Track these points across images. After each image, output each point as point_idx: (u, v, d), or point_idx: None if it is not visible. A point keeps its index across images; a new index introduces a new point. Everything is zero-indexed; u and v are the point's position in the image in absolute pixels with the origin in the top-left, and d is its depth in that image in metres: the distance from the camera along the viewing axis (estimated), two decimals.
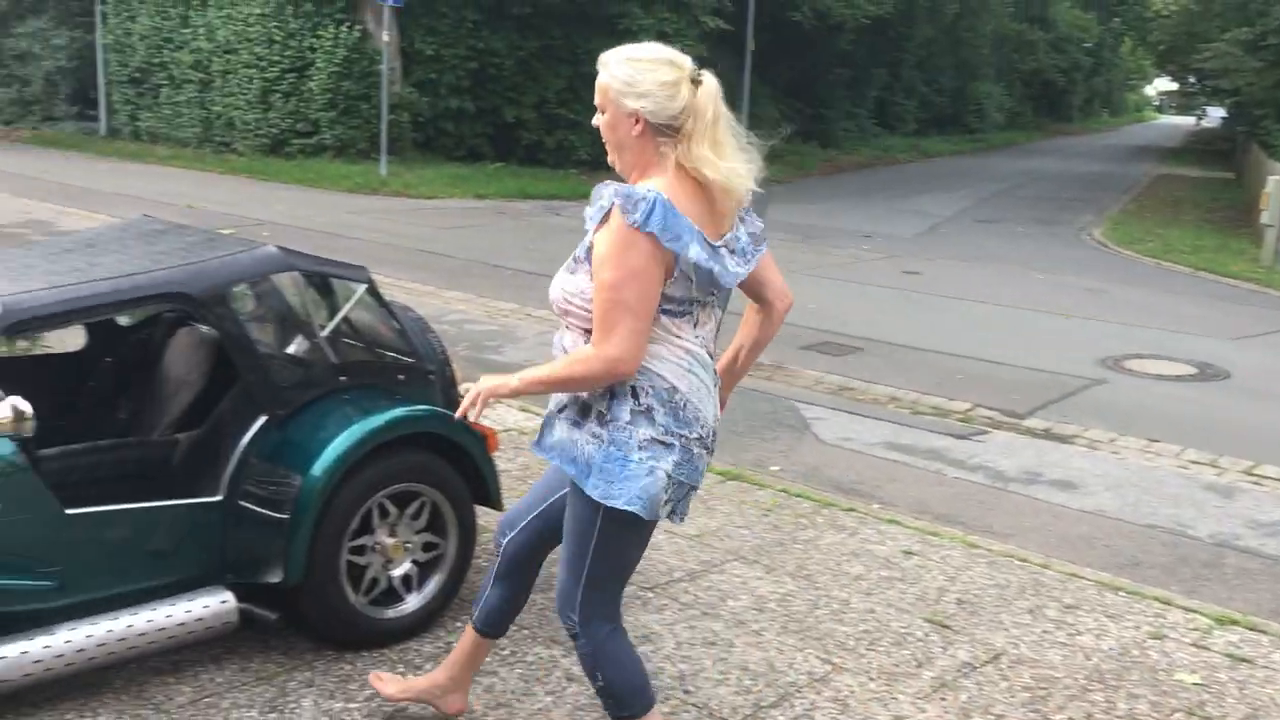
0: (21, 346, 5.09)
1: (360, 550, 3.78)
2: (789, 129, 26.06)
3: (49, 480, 3.34)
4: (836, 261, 13.35)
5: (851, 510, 5.43)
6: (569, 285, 2.87)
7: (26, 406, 3.04)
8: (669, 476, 2.77)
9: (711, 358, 2.94)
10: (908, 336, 9.59)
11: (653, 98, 2.75)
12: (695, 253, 2.71)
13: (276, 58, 20.10)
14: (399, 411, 3.83)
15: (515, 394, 2.88)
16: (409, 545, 3.91)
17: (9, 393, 3.16)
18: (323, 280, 4.06)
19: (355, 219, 14.49)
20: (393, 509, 3.85)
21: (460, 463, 3.99)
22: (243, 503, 3.62)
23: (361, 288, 4.03)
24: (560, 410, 2.92)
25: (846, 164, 26.68)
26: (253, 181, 18.21)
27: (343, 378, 3.87)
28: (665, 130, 2.79)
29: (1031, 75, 46.38)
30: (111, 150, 21.96)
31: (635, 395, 2.77)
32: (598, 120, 2.90)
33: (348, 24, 19.65)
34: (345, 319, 4.09)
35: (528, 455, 6.00)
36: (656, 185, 2.74)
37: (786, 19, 23.87)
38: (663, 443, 2.77)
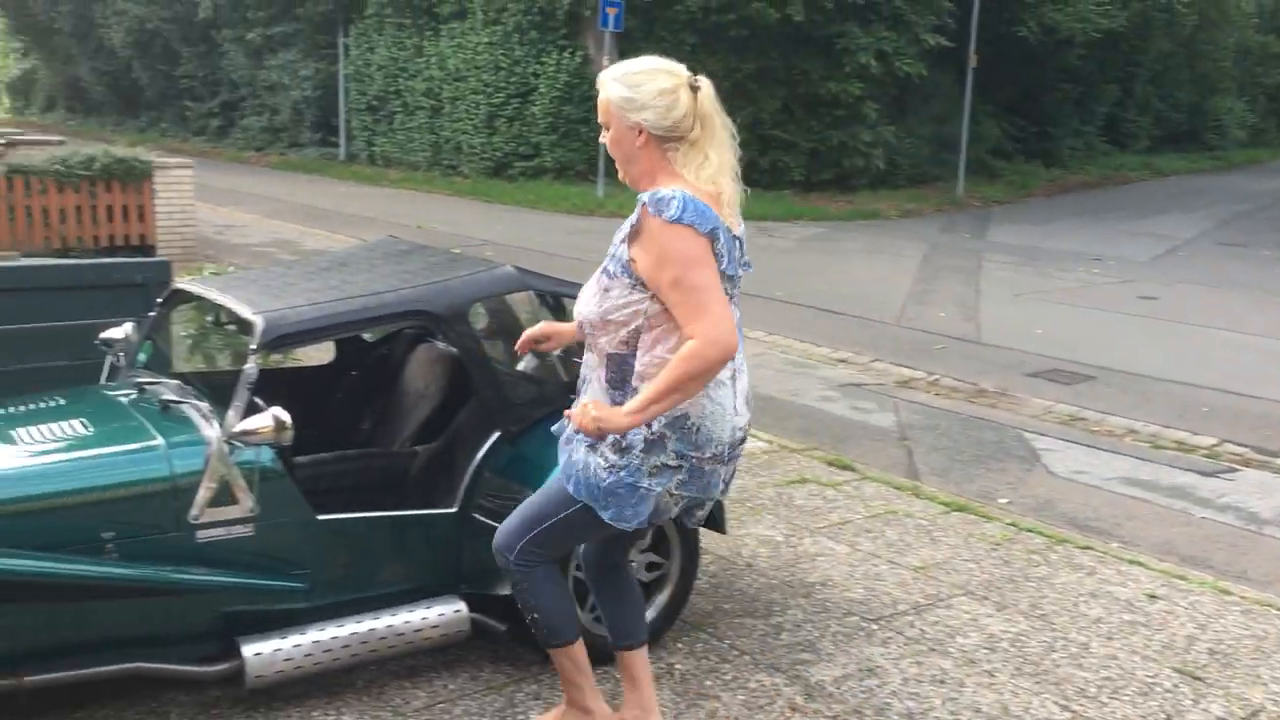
0: (275, 359, 5.41)
1: None
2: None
3: (302, 487, 3.52)
4: (1064, 285, 12.79)
5: (1089, 548, 5.15)
6: (606, 301, 2.92)
7: (286, 416, 3.21)
8: (672, 495, 2.94)
9: (734, 376, 2.99)
10: (1145, 365, 9.08)
11: (652, 109, 2.86)
12: (724, 238, 2.83)
13: (502, 84, 20.85)
14: None
15: (629, 428, 2.83)
16: (633, 564, 3.93)
17: (267, 403, 3.35)
18: (556, 300, 4.15)
19: (573, 239, 14.83)
20: None
21: None
22: (476, 515, 3.72)
23: None
24: (577, 432, 2.95)
25: (1073, 183, 25.57)
26: (476, 202, 18.91)
27: (573, 396, 3.93)
28: (669, 138, 2.89)
29: (1277, 89, 43.38)
30: (349, 174, 23.24)
31: (648, 423, 2.84)
32: (604, 137, 2.99)
33: (569, 50, 20.19)
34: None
35: (744, 477, 5.97)
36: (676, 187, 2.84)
37: (1011, 34, 23.09)
38: (672, 466, 2.90)
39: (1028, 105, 26.35)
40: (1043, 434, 7.21)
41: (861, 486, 5.93)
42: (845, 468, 6.24)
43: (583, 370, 3.12)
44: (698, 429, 2.88)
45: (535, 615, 3.16)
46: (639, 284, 2.85)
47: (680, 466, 2.90)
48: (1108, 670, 3.98)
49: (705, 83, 2.94)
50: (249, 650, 3.32)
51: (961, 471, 6.40)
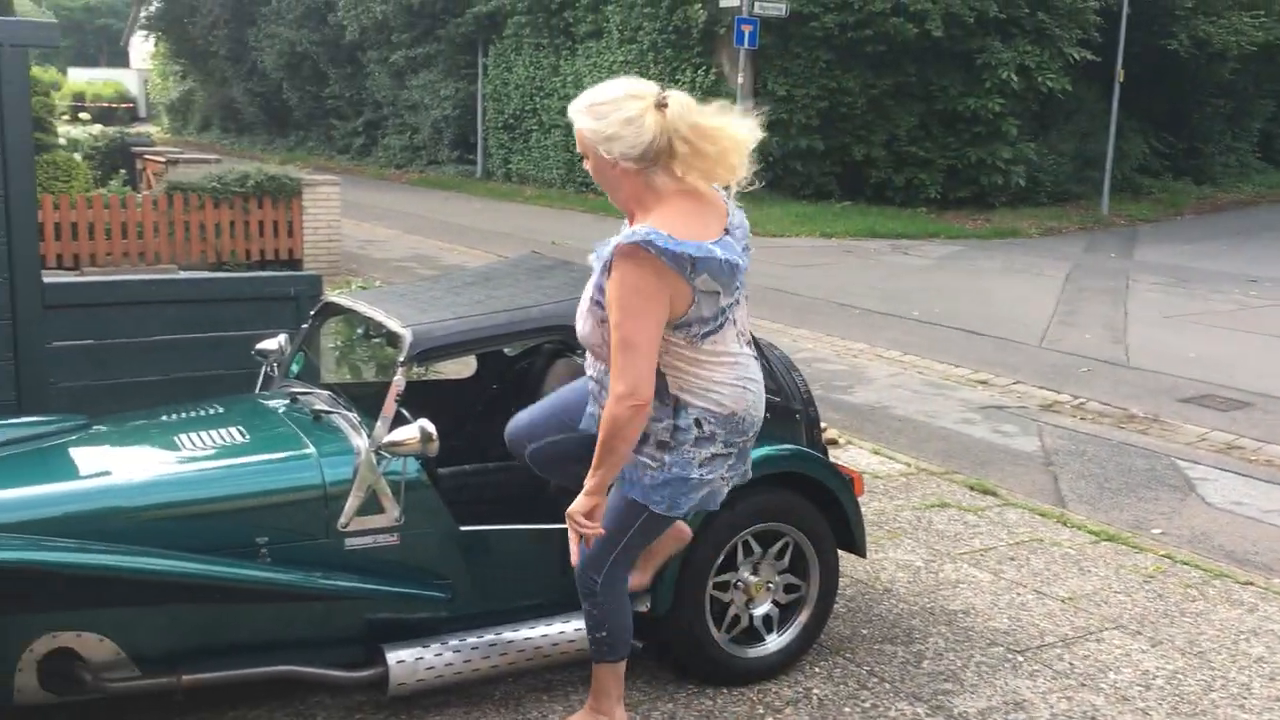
0: (417, 371, 5.52)
1: (724, 587, 3.80)
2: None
3: (444, 498, 3.58)
4: (1217, 308, 12.26)
5: (1249, 584, 4.90)
6: (597, 333, 3.02)
7: (433, 428, 3.27)
8: (724, 479, 3.13)
9: (751, 343, 3.18)
10: None
11: (622, 139, 2.87)
12: (715, 255, 2.87)
13: None
14: (764, 450, 3.82)
15: (598, 495, 3.00)
16: (771, 585, 3.89)
17: (413, 415, 3.41)
18: None
19: None
20: (757, 547, 3.84)
21: (824, 505, 3.93)
22: None
23: None
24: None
25: (1225, 202, 24.56)
26: (609, 220, 19.01)
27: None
28: (645, 161, 2.88)
29: None
30: (485, 190, 23.71)
31: (699, 425, 3.01)
32: (585, 165, 2.99)
33: (704, 67, 20.24)
34: None
35: (882, 500, 5.87)
36: (653, 222, 2.86)
37: (1160, 48, 22.30)
38: (722, 455, 3.07)
39: (1177, 121, 25.40)
40: (1197, 462, 6.91)
41: (1005, 512, 5.76)
42: (987, 492, 6.07)
43: (592, 380, 3.19)
44: (742, 419, 3.07)
45: (604, 633, 3.26)
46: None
47: (730, 454, 3.10)
48: (1272, 713, 3.77)
49: (675, 96, 2.92)
50: (393, 657, 3.39)
51: (1111, 500, 6.17)
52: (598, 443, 2.94)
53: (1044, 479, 6.54)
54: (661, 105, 2.89)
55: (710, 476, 3.08)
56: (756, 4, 18.33)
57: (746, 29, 17.99)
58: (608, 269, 2.89)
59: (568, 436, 3.33)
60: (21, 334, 4.86)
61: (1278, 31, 23.51)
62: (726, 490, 3.20)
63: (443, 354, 3.61)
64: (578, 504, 3.00)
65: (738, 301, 3.03)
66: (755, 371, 3.12)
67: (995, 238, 18.03)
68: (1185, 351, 9.95)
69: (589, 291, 3.02)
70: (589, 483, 2.98)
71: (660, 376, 2.96)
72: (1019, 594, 4.71)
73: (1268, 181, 27.54)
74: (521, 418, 3.52)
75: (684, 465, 3.03)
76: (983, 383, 8.79)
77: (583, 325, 3.07)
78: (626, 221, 3.04)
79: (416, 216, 18.90)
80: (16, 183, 4.73)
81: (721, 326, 2.99)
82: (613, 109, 2.89)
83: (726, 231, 2.99)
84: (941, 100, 20.22)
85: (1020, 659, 4.11)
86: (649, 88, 2.94)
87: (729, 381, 3.02)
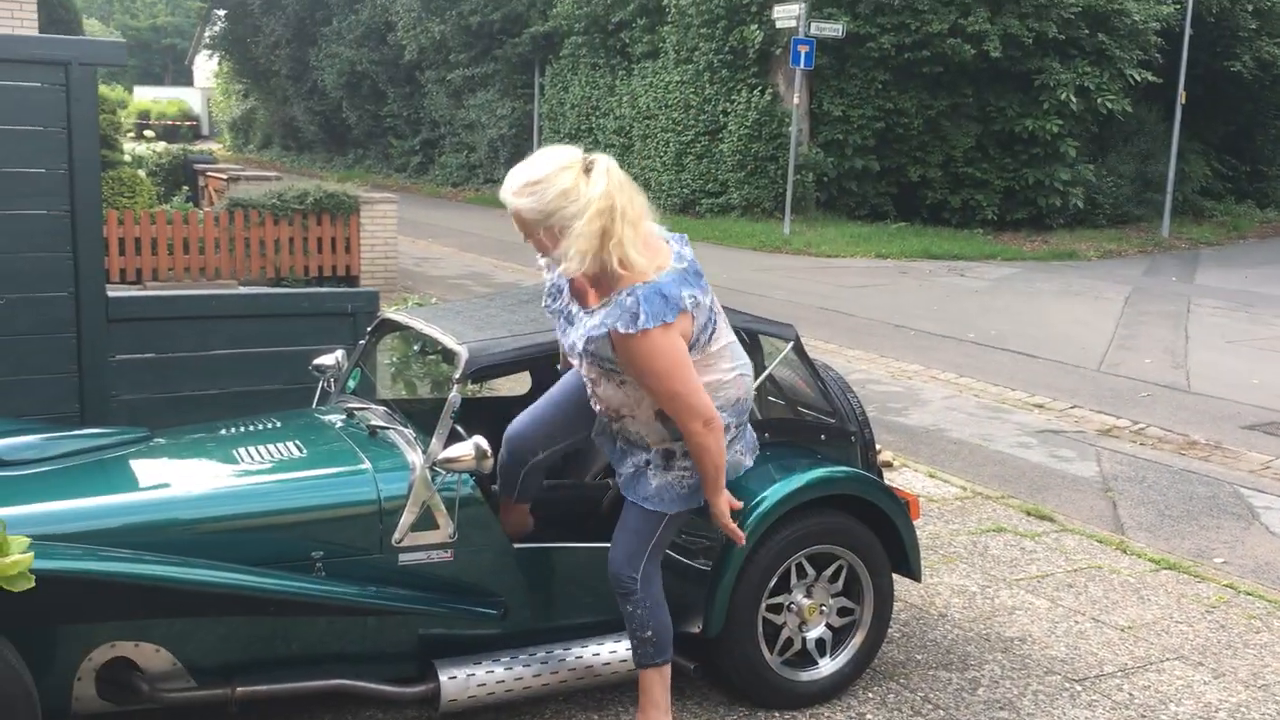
0: (472, 388, 5.55)
1: (777, 609, 3.77)
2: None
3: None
4: None
5: None
6: (616, 396, 3.24)
7: (487, 445, 3.28)
8: (740, 453, 3.41)
9: (739, 330, 3.50)
10: None
11: (560, 213, 2.97)
12: (688, 273, 3.12)
13: (692, 122, 21.06)
14: (820, 472, 3.80)
15: (725, 500, 3.30)
16: (824, 608, 3.85)
17: (469, 432, 3.43)
18: (752, 336, 4.12)
19: (759, 276, 14.80)
20: (810, 570, 3.81)
21: (879, 528, 3.90)
22: (668, 551, 3.71)
23: (788, 346, 4.06)
24: (646, 465, 3.32)
25: None
26: None
27: (766, 434, 3.89)
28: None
29: None
30: None
31: None
32: (530, 243, 3.12)
33: (760, 88, 20.25)
34: (770, 376, 4.13)
35: (936, 524, 5.80)
36: (634, 278, 2.99)
37: (1223, 69, 21.98)
38: (731, 436, 3.31)
39: (1240, 143, 25.00)
40: (1261, 490, 6.76)
41: (1062, 538, 5.67)
42: (1044, 518, 5.98)
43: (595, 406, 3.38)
44: (745, 399, 3.36)
45: (649, 633, 3.35)
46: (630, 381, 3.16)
47: (738, 435, 3.37)
48: None
49: (599, 160, 3.03)
50: (445, 674, 3.40)
51: (1171, 527, 6.05)
52: (704, 472, 3.22)
53: (1102, 505, 6.43)
54: (589, 169, 3.01)
55: (740, 460, 3.42)
56: (813, 25, 18.32)
57: (803, 50, 17.96)
58: (613, 346, 3.07)
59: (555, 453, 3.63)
60: (86, 347, 4.96)
61: None
62: (750, 460, 3.48)
63: (498, 371, 3.62)
64: (721, 510, 3.28)
65: (715, 308, 3.25)
66: (741, 352, 3.36)
67: (1053, 260, 17.83)
68: (1248, 377, 9.76)
69: (586, 351, 3.15)
70: (713, 500, 3.27)
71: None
72: (1077, 622, 4.63)
73: None
74: (523, 425, 3.62)
75: None
76: (1039, 406, 8.67)
77: (605, 389, 3.25)
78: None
79: (472, 234, 19.05)
80: (83, 199, 4.83)
81: (714, 321, 3.21)
82: (547, 185, 2.99)
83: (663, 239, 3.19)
84: (999, 121, 20.06)
85: (1078, 688, 4.03)
86: (575, 154, 3.05)
87: (731, 373, 3.26)
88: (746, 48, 20.08)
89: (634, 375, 3.10)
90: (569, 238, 2.97)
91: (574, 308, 3.23)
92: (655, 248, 3.12)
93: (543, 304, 3.40)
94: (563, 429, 3.61)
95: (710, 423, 3.12)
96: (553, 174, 3.00)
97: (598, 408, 3.37)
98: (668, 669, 3.41)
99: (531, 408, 3.70)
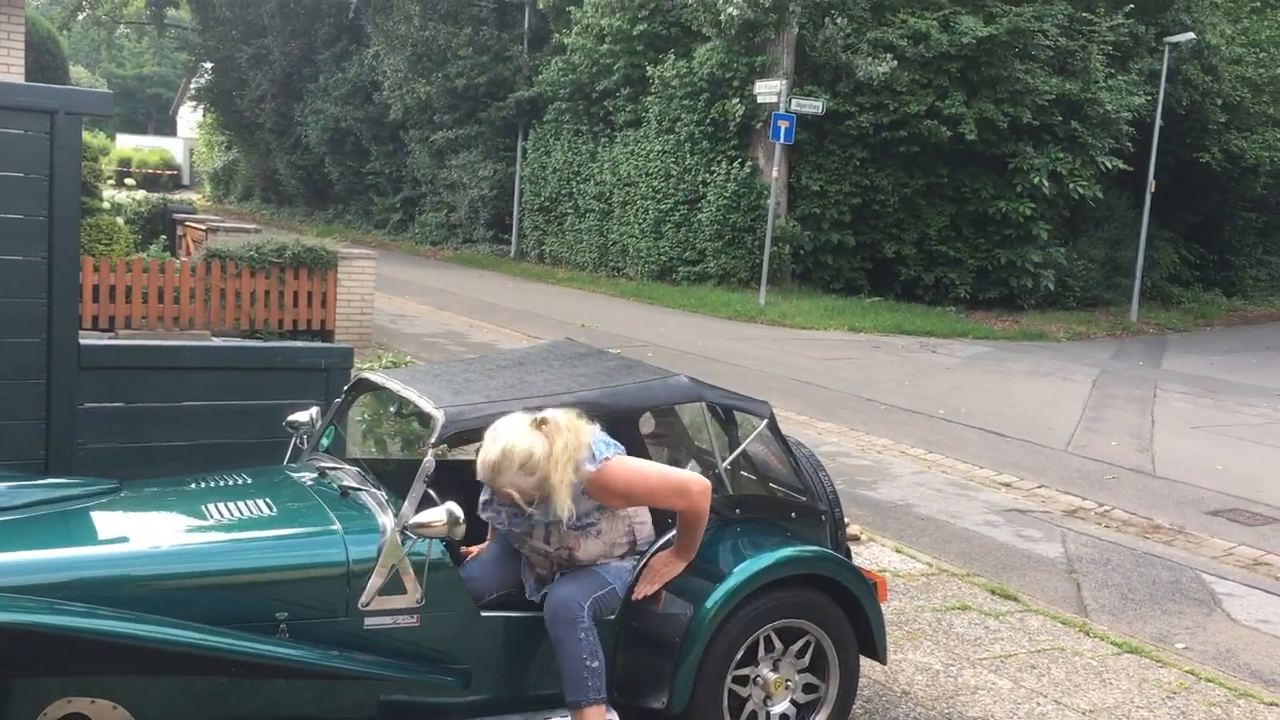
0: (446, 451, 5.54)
1: (743, 681, 3.77)
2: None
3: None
4: (1246, 421, 12.18)
5: (1275, 705, 4.81)
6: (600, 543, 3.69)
7: (460, 512, 3.28)
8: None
9: (715, 406, 4.15)
10: None
11: (539, 471, 3.34)
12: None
13: (672, 191, 21.29)
14: (789, 551, 3.82)
15: (686, 561, 3.69)
16: (790, 684, 3.86)
17: (441, 496, 3.43)
18: (727, 412, 4.16)
19: (733, 345, 14.89)
20: (778, 644, 3.82)
21: (847, 607, 3.91)
22: (634, 624, 3.71)
23: (763, 423, 4.09)
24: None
25: (1255, 315, 24.54)
26: (640, 304, 19.21)
27: (738, 510, 3.92)
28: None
29: None
30: (518, 271, 23.96)
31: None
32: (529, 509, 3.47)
33: (739, 160, 20.53)
34: (744, 453, 4.16)
35: (902, 599, 5.81)
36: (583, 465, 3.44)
37: (1193, 160, 22.48)
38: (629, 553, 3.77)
39: (1208, 232, 25.49)
40: (1223, 577, 6.81)
41: (1026, 618, 5.69)
42: (1009, 597, 6.00)
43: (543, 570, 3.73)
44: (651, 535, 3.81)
45: (596, 663, 3.48)
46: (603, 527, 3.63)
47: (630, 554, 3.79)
48: None
49: (550, 415, 3.40)
50: None
51: (1134, 611, 6.09)
52: (687, 527, 3.60)
53: (1067, 586, 6.46)
54: (541, 423, 3.38)
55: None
56: (794, 101, 18.64)
57: (784, 124, 18.25)
58: (586, 489, 3.49)
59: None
60: (55, 394, 4.93)
61: None
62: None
63: (474, 436, 3.63)
64: (671, 567, 3.65)
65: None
66: None
67: (1023, 340, 18.03)
68: (1212, 463, 9.87)
69: (573, 526, 3.56)
70: (682, 555, 3.65)
71: (625, 520, 3.66)
72: (1039, 704, 4.64)
73: None
74: (481, 567, 3.84)
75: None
76: (1007, 485, 8.73)
77: (587, 547, 3.63)
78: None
79: (449, 293, 19.09)
80: (61, 247, 4.83)
81: None
82: (522, 459, 3.33)
83: None
84: (973, 202, 20.38)
85: None
86: (525, 419, 3.40)
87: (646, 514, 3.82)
88: (728, 120, 20.39)
89: (619, 500, 3.54)
90: (550, 491, 3.38)
91: (512, 510, 3.56)
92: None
93: (484, 514, 3.70)
94: (516, 574, 3.82)
95: (697, 488, 3.53)
96: (517, 446, 3.34)
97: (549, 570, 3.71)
98: (605, 707, 3.50)
99: (490, 547, 3.89)
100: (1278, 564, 7.14)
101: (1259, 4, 25.20)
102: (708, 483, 3.56)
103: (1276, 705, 4.83)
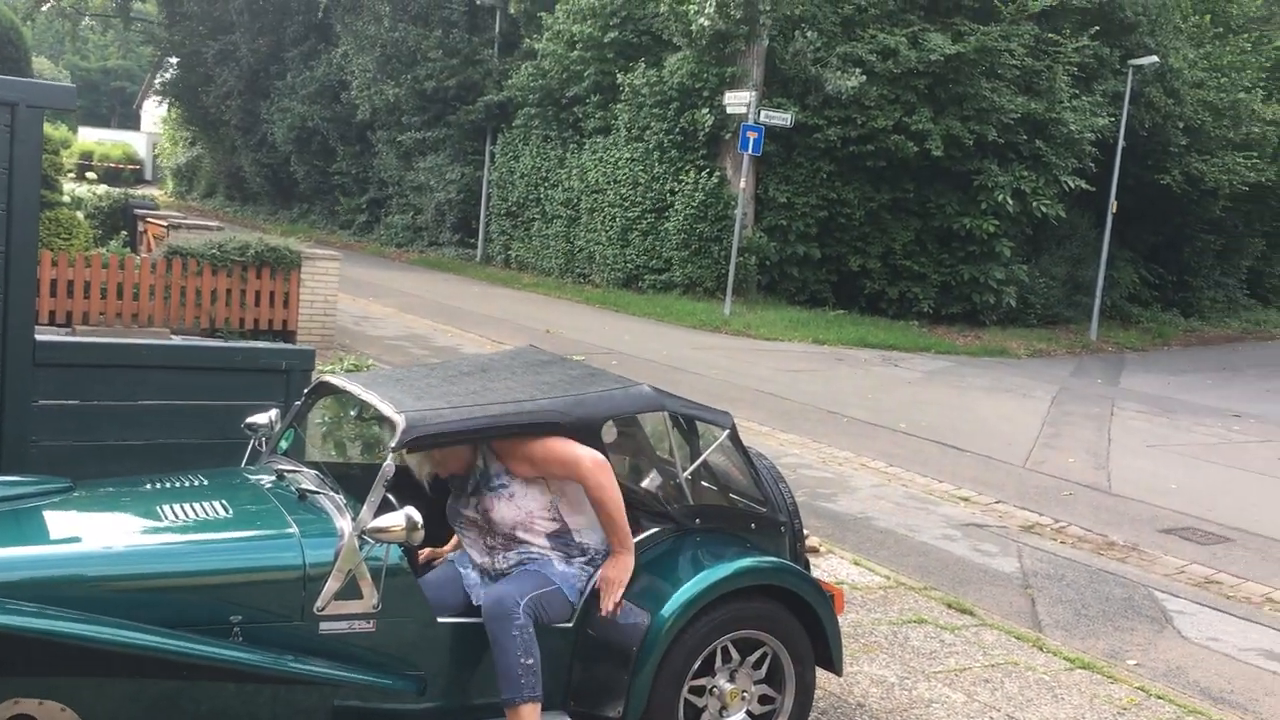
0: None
1: (699, 691, 3.78)
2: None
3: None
4: (1200, 440, 12.34)
5: None
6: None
7: (418, 517, 3.26)
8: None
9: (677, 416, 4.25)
10: None
11: None
12: None
13: (639, 199, 21.31)
14: (748, 561, 3.84)
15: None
16: (745, 695, 3.86)
17: (400, 501, 3.42)
18: (689, 422, 4.17)
19: (697, 354, 14.92)
20: (735, 654, 3.82)
21: (804, 618, 3.92)
22: (592, 632, 3.71)
23: (724, 433, 4.11)
24: (543, 557, 3.79)
25: (1212, 336, 24.87)
26: (605, 311, 19.21)
27: (698, 520, 3.93)
28: None
29: None
30: (483, 275, 23.89)
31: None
32: None
33: (708, 170, 20.59)
34: (705, 463, 4.17)
35: (859, 612, 5.84)
36: None
37: (1154, 182, 22.77)
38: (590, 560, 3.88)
39: (1168, 253, 25.83)
40: (1175, 595, 6.90)
41: (981, 633, 5.74)
42: (965, 611, 6.05)
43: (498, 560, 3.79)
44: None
45: (531, 660, 3.50)
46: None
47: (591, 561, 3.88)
48: None
49: None
50: None
51: (1087, 627, 6.15)
52: (602, 513, 3.67)
53: (1021, 601, 6.52)
54: None
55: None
56: (763, 113, 18.72)
57: (752, 135, 18.33)
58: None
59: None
60: (9, 390, 4.86)
61: (1269, 173, 24.03)
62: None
63: (434, 442, 3.62)
64: (619, 570, 3.70)
65: None
66: None
67: (985, 355, 18.18)
68: (1167, 482, 10.00)
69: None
70: (621, 551, 3.72)
71: (546, 498, 3.78)
72: (992, 718, 4.68)
73: (1254, 318, 27.93)
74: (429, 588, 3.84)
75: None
76: (965, 500, 8.80)
77: (501, 510, 3.77)
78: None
79: (414, 296, 19.01)
80: (19, 241, 4.77)
81: None
82: None
83: None
84: (938, 217, 20.54)
85: None
86: None
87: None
88: (697, 130, 20.44)
89: (522, 464, 3.71)
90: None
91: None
92: None
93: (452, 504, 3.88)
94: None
95: (580, 461, 3.64)
96: None
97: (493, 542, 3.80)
98: (540, 706, 3.51)
99: (445, 568, 3.95)
100: (1229, 583, 7.24)
101: (1221, 30, 25.60)
102: (602, 458, 3.64)
103: None
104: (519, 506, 3.71)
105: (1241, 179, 23.20)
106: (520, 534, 3.72)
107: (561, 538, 3.76)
